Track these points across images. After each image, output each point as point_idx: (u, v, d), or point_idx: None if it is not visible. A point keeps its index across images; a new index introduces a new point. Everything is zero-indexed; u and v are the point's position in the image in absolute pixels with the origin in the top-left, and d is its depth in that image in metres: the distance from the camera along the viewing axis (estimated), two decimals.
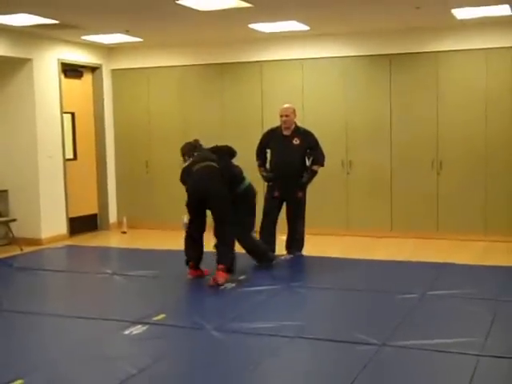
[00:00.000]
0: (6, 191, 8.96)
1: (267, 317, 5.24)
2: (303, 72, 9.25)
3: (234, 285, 6.26)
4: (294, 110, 7.51)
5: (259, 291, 6.08)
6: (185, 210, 9.68)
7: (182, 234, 9.27)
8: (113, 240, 9.63)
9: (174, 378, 4.07)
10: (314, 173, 7.49)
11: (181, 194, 9.91)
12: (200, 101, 9.84)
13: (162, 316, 5.25)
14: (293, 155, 7.41)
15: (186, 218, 9.54)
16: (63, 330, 5.09)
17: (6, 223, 8.65)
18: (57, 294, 6.30)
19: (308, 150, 7.45)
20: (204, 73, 9.80)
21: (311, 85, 9.24)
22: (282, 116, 7.45)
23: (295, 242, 7.61)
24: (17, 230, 8.63)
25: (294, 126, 7.49)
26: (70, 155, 9.69)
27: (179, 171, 9.86)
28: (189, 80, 9.89)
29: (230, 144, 7.22)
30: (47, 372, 4.14)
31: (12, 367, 4.23)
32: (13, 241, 8.65)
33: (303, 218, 7.60)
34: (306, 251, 7.64)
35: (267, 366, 4.22)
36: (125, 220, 9.95)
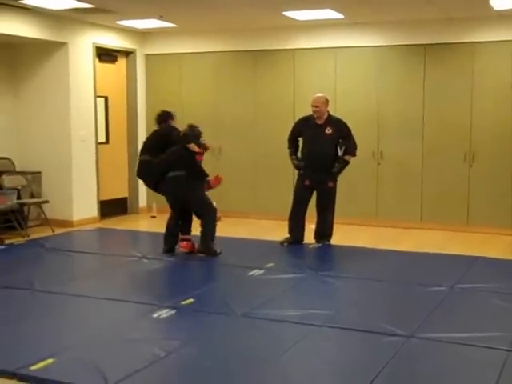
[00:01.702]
0: (39, 173, 9.05)
1: (294, 304, 5.24)
2: (336, 61, 9.17)
3: (262, 272, 6.27)
4: (326, 100, 7.44)
5: (287, 279, 6.08)
6: (214, 195, 9.72)
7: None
8: (142, 224, 9.69)
9: (200, 361, 4.08)
10: (346, 163, 7.44)
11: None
12: (232, 87, 9.82)
13: (190, 300, 5.28)
14: (325, 144, 7.37)
15: (215, 204, 9.59)
16: (93, 312, 5.15)
17: (39, 204, 8.75)
18: (87, 275, 6.35)
19: (340, 140, 7.40)
20: (237, 60, 9.77)
21: (344, 74, 9.16)
22: (312, 106, 7.41)
23: (324, 231, 7.58)
24: (49, 211, 8.73)
25: (326, 115, 7.44)
26: (102, 139, 9.76)
27: (210, 157, 9.93)
28: (221, 66, 9.88)
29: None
30: (77, 352, 4.18)
31: (43, 346, 4.28)
32: (45, 222, 8.75)
33: (333, 207, 7.56)
34: (335, 240, 7.61)
35: (293, 353, 4.21)
36: (154, 205, 9.99)
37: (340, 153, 7.39)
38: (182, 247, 7.07)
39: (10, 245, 7.74)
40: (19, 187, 8.54)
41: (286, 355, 4.16)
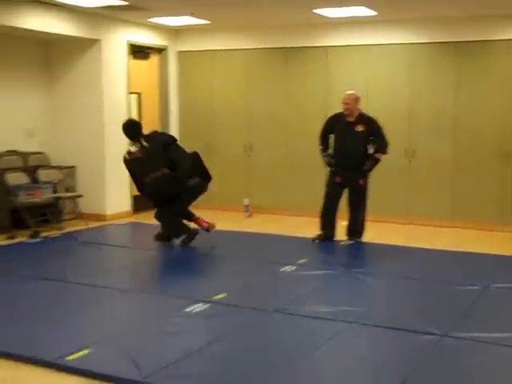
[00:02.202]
0: (73, 167, 9.16)
1: (327, 301, 5.22)
2: (368, 58, 9.12)
3: (294, 268, 6.26)
4: (357, 98, 7.40)
5: (319, 275, 6.07)
6: (246, 192, 9.75)
7: (243, 216, 9.41)
8: None
9: (233, 356, 4.09)
10: (377, 160, 7.39)
11: (242, 176, 10.00)
12: (264, 84, 9.82)
13: (222, 295, 5.29)
14: (356, 142, 7.33)
15: (247, 201, 9.63)
16: (126, 304, 5.19)
17: (73, 199, 8.85)
18: (119, 268, 6.39)
19: (371, 138, 7.36)
20: (269, 57, 9.76)
21: (375, 71, 9.10)
22: (343, 103, 7.38)
23: (356, 228, 7.55)
24: (83, 205, 8.83)
25: (357, 112, 7.39)
26: None
27: (241, 153, 9.96)
28: (253, 64, 9.88)
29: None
30: (112, 343, 4.23)
31: (79, 337, 4.33)
32: (79, 216, 8.84)
33: (364, 205, 7.52)
34: (367, 238, 7.57)
35: (325, 350, 4.19)
36: None
37: (371, 150, 7.34)
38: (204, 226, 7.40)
39: (46, 238, 7.85)
40: (55, 181, 8.65)
41: (317, 351, 4.14)
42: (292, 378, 3.76)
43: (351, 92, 7.44)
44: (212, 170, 10.16)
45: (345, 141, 7.40)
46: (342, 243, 7.47)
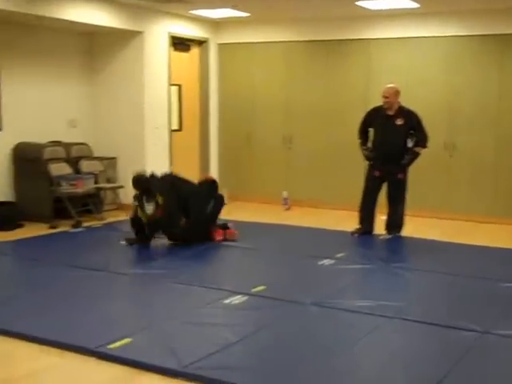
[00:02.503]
0: (114, 158, 9.26)
1: (365, 295, 5.20)
2: (410, 51, 9.01)
3: (332, 261, 6.25)
4: (397, 91, 7.33)
5: (358, 269, 6.06)
6: (285, 185, 9.75)
7: (282, 209, 9.42)
8: None
9: (272, 348, 4.11)
10: (416, 154, 7.32)
11: (282, 168, 10.00)
12: (304, 77, 9.78)
13: (261, 288, 5.31)
14: (395, 136, 7.27)
15: (285, 193, 9.63)
16: (166, 295, 5.24)
17: (114, 189, 8.96)
18: (160, 259, 6.45)
19: (411, 131, 7.29)
20: (309, 49, 9.72)
21: (417, 64, 8.99)
22: (383, 97, 7.32)
23: (395, 222, 7.50)
24: (124, 196, 8.91)
25: (397, 106, 7.33)
26: (175, 126, 9.90)
27: (280, 146, 9.96)
28: (294, 56, 9.85)
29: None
30: (152, 333, 4.29)
31: (120, 326, 4.40)
32: (119, 206, 8.95)
33: (404, 199, 7.47)
34: (406, 232, 7.52)
35: (364, 344, 4.19)
36: (225, 191, 10.07)
37: (410, 144, 7.28)
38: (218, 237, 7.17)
39: (88, 228, 7.97)
40: (96, 172, 8.77)
41: (356, 346, 4.15)
42: (330, 371, 3.76)
43: (391, 85, 7.38)
44: (250, 161, 10.25)
45: (384, 134, 7.34)
46: (381, 237, 7.43)
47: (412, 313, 4.75)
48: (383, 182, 7.46)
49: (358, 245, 7.18)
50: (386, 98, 7.29)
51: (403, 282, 5.79)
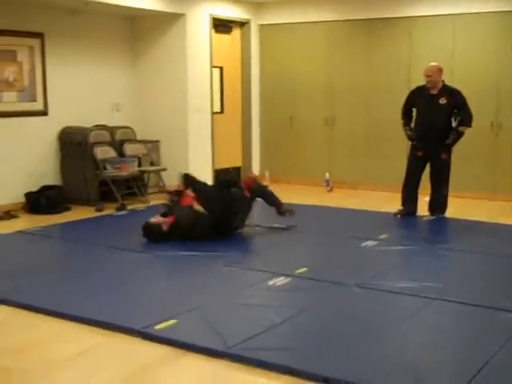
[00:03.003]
0: (158, 141, 9.35)
1: (409, 276, 5.18)
2: (454, 28, 8.85)
3: (375, 243, 6.23)
4: (439, 69, 7.22)
5: (401, 250, 6.02)
6: (327, 166, 9.72)
7: (324, 190, 9.39)
8: None
9: (316, 329, 4.14)
10: (460, 134, 7.21)
11: (324, 150, 9.97)
12: (346, 57, 9.70)
13: (304, 269, 5.32)
14: (438, 115, 7.17)
15: (328, 175, 9.60)
16: (210, 277, 5.29)
17: (158, 172, 9.06)
18: (204, 241, 6.47)
19: (455, 110, 7.18)
20: (351, 29, 9.63)
21: (462, 41, 8.82)
22: (425, 75, 7.22)
23: (438, 203, 7.42)
24: (167, 179, 8.99)
25: (441, 84, 7.22)
26: (217, 109, 9.93)
27: (322, 127, 9.92)
28: (335, 36, 9.76)
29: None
30: (198, 314, 4.33)
31: (166, 308, 4.47)
32: (163, 189, 9.04)
33: (447, 180, 7.38)
34: (450, 213, 7.43)
35: (410, 325, 4.18)
36: (267, 173, 10.10)
37: (454, 124, 7.17)
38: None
39: (132, 210, 8.09)
40: (140, 155, 8.86)
41: (400, 327, 4.13)
42: (375, 353, 3.76)
43: (433, 63, 7.27)
44: (292, 143, 10.24)
45: (427, 114, 7.25)
46: (425, 218, 7.37)
47: (456, 294, 4.71)
48: (426, 162, 7.38)
49: (400, 226, 7.13)
50: (428, 76, 7.18)
51: (447, 263, 5.74)
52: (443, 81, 7.26)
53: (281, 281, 5.03)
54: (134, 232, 6.65)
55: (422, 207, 7.46)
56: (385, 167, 9.41)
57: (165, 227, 6.30)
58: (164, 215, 6.49)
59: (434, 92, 7.21)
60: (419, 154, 7.35)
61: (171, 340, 3.91)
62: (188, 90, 9.18)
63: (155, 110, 9.41)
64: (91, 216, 7.75)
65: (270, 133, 10.48)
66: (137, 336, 4.02)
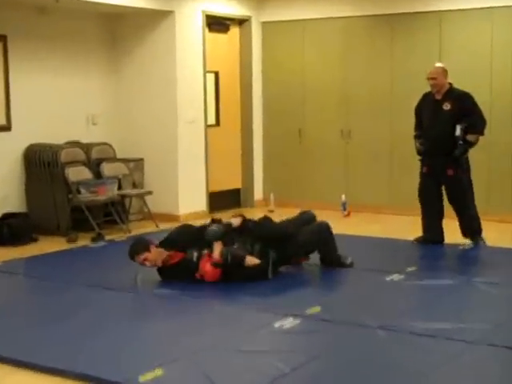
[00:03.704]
0: (141, 160, 9.35)
1: (443, 317, 5.12)
2: (489, 23, 8.87)
3: (402, 277, 6.19)
4: (444, 70, 7.31)
5: (433, 286, 5.98)
6: (343, 187, 9.68)
7: (340, 215, 9.35)
8: None
9: (332, 380, 4.08)
10: (469, 144, 7.17)
11: (339, 168, 9.94)
12: (365, 59, 9.73)
13: (316, 309, 5.28)
14: (441, 123, 7.24)
15: (344, 197, 9.58)
16: (206, 318, 5.25)
17: (142, 196, 9.03)
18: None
19: (463, 118, 7.15)
20: (370, 26, 9.68)
21: (499, 38, 8.85)
22: (429, 79, 7.30)
23: (467, 228, 7.39)
24: (152, 204, 8.98)
25: (446, 88, 7.29)
26: (212, 121, 9.94)
27: (337, 141, 9.90)
28: (351, 34, 9.80)
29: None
30: (190, 363, 4.28)
31: (151, 355, 4.42)
32: (148, 216, 9.02)
33: (466, 199, 7.32)
34: (490, 241, 7.38)
35: (443, 375, 4.12)
36: (272, 197, 10.07)
37: (458, 132, 7.11)
38: None
39: (111, 241, 8.06)
40: (120, 176, 8.85)
41: (433, 376, 4.08)
42: None
43: (438, 65, 7.41)
44: (302, 161, 10.22)
45: (430, 122, 7.37)
46: (461, 247, 7.34)
47: (501, 337, 4.66)
48: (438, 180, 7.39)
49: (431, 257, 7.10)
50: (432, 79, 7.27)
51: (489, 301, 5.67)
52: (450, 84, 7.31)
53: (289, 322, 4.98)
54: (114, 267, 6.63)
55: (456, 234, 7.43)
56: (411, 188, 9.30)
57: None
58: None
59: (439, 97, 7.28)
60: (424, 170, 7.43)
61: None
62: (177, 99, 9.20)
63: (138, 123, 9.42)
64: (62, 248, 7.70)
65: (274, 149, 10.47)
66: None
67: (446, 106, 7.21)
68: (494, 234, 7.58)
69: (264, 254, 6.13)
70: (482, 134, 7.23)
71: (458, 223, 7.45)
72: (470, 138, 7.15)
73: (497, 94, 8.73)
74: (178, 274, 6.08)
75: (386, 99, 9.57)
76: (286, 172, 10.36)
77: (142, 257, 6.00)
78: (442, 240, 7.45)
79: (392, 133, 9.58)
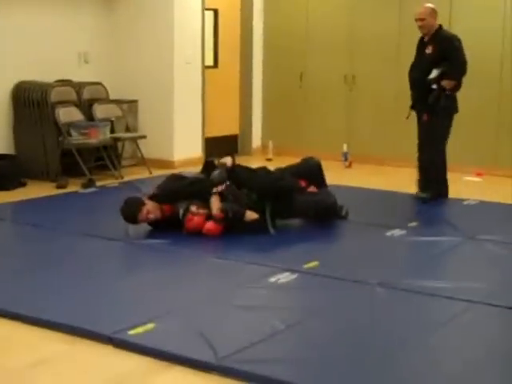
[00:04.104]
0: (135, 102, 9.32)
1: (445, 275, 5.23)
2: None
3: (403, 232, 6.23)
4: (433, 11, 7.26)
5: (435, 242, 6.02)
6: (345, 136, 9.66)
7: (341, 166, 9.37)
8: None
9: (327, 338, 4.13)
10: (445, 90, 7.11)
11: (341, 115, 9.92)
12: (372, 2, 9.64)
13: (314, 263, 5.32)
14: (421, 66, 7.26)
15: (346, 147, 9.59)
16: (200, 271, 5.31)
17: (135, 140, 9.04)
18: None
19: (444, 62, 7.12)
20: None
21: None
22: (416, 20, 7.29)
23: (425, 179, 7.47)
24: (146, 149, 8.99)
25: (434, 29, 7.25)
26: (209, 62, 9.89)
27: (340, 87, 9.88)
28: None
29: None
30: (182, 317, 4.34)
31: (143, 308, 4.47)
32: (141, 161, 9.03)
33: (432, 148, 7.38)
34: (493, 197, 7.43)
35: (444, 335, 4.18)
36: (271, 144, 10.08)
37: (431, 76, 7.09)
38: None
39: (102, 187, 8.08)
40: (113, 118, 8.84)
41: (434, 337, 4.14)
42: (403, 368, 3.76)
43: (426, 5, 7.34)
44: (303, 106, 10.20)
45: (412, 67, 7.40)
46: (465, 203, 7.39)
47: (504, 297, 4.70)
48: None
49: (435, 212, 7.14)
50: (420, 20, 7.26)
51: (493, 260, 5.70)
52: (440, 26, 7.27)
53: (285, 277, 5.02)
54: (105, 214, 6.65)
55: (465, 188, 7.46)
56: (416, 138, 9.36)
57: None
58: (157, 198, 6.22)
59: (426, 40, 7.29)
60: (407, 116, 7.53)
61: (147, 348, 3.91)
62: (174, 38, 9.14)
63: (133, 63, 9.37)
64: (51, 194, 7.73)
65: (274, 93, 10.45)
66: (107, 343, 4.02)
67: (429, 49, 7.21)
68: (504, 190, 7.60)
69: (261, 205, 6.18)
70: (456, 80, 7.15)
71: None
72: (444, 83, 7.11)
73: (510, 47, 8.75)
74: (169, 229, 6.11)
75: (394, 45, 9.51)
76: (286, 118, 10.35)
77: (145, 211, 6.00)
78: (447, 194, 7.50)
79: (399, 79, 9.50)
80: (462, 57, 7.11)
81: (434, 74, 7.07)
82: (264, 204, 6.17)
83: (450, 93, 7.13)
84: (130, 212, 6.05)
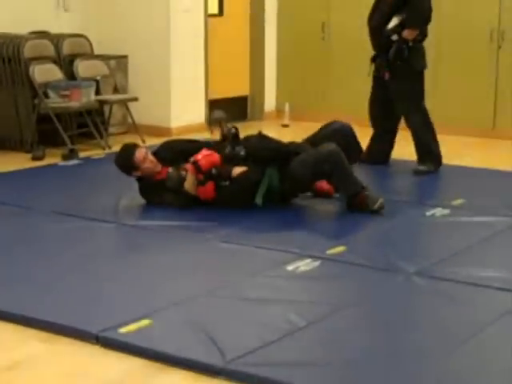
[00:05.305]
0: (125, 57, 9.32)
1: (495, 262, 5.21)
2: None
3: (446, 211, 6.23)
4: None
5: (484, 223, 6.01)
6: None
7: (370, 133, 9.34)
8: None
9: (356, 337, 4.12)
10: (403, 42, 7.11)
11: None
12: None
13: (340, 248, 5.33)
14: (379, 14, 7.28)
15: None
16: (207, 258, 5.32)
17: (125, 103, 9.04)
18: (201, 205, 6.42)
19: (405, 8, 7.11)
20: None
21: None
22: None
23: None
24: (138, 113, 8.99)
25: None
26: (213, 9, 9.86)
27: (365, 40, 9.83)
28: None
29: None
30: (183, 312, 4.34)
31: (135, 302, 4.48)
32: (132, 128, 9.03)
33: (407, 110, 7.47)
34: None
35: (495, 331, 4.18)
36: (287, 108, 10.07)
37: (389, 25, 7.10)
38: None
39: (86, 159, 8.11)
40: (98, 78, 8.85)
41: (484, 333, 4.13)
42: (445, 373, 3.74)
43: None
44: (325, 63, 10.17)
45: (370, 12, 7.44)
46: None
47: None
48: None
49: (484, 188, 7.13)
50: None
51: None
52: None
53: (305, 265, 5.03)
54: (90, 191, 6.67)
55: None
56: (469, 101, 9.36)
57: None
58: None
59: None
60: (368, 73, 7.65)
61: (141, 349, 3.92)
62: None
63: (122, 11, 9.36)
64: (26, 166, 7.76)
65: (291, 47, 10.42)
66: (93, 343, 4.03)
67: None
68: None
69: (259, 169, 6.18)
70: (417, 28, 7.13)
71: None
72: (404, 33, 7.10)
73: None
74: (159, 192, 6.20)
75: None
76: (306, 77, 10.34)
77: (142, 152, 6.18)
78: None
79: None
80: (425, 1, 7.10)
81: (394, 22, 7.08)
82: (264, 168, 6.17)
83: (413, 44, 7.13)
84: (126, 155, 6.24)
